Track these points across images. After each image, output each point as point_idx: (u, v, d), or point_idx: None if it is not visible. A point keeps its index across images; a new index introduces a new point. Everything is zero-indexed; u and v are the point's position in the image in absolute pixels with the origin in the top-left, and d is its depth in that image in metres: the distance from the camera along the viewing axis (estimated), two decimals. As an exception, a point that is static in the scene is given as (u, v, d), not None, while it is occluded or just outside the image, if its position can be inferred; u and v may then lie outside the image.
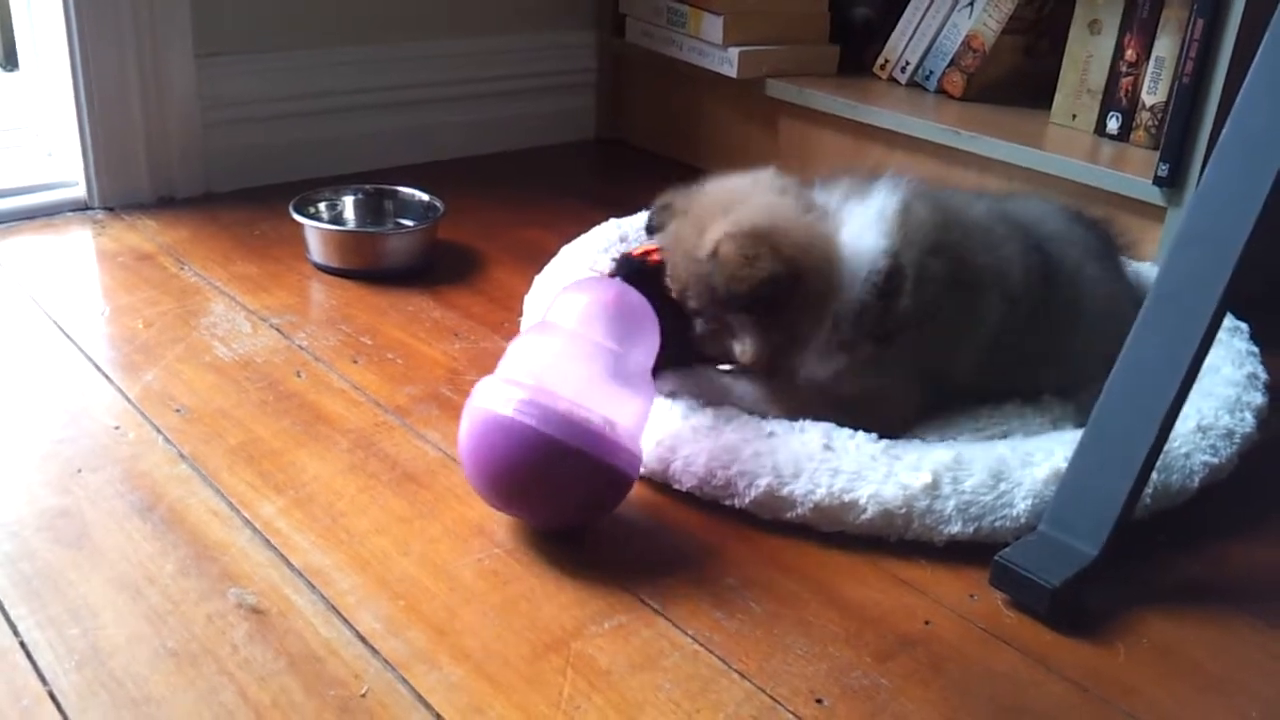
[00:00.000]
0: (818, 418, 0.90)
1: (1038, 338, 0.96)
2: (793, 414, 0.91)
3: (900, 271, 0.89)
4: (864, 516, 0.83)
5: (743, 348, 0.92)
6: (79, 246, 1.31)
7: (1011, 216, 1.00)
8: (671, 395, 0.93)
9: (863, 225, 0.91)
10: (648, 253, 0.94)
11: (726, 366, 0.97)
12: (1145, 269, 1.17)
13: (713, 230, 0.90)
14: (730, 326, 0.92)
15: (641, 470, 0.89)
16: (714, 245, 0.89)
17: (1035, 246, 0.97)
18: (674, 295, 0.93)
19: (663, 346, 0.86)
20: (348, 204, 1.37)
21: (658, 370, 0.88)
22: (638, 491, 0.88)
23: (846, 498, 0.84)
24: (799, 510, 0.84)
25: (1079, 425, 0.88)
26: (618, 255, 0.94)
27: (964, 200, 1.01)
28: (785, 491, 0.84)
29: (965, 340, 0.94)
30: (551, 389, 0.78)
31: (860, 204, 0.93)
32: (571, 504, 0.81)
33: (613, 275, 0.92)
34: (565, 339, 0.82)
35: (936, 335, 0.92)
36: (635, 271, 0.92)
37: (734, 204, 0.93)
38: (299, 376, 1.04)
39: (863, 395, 0.91)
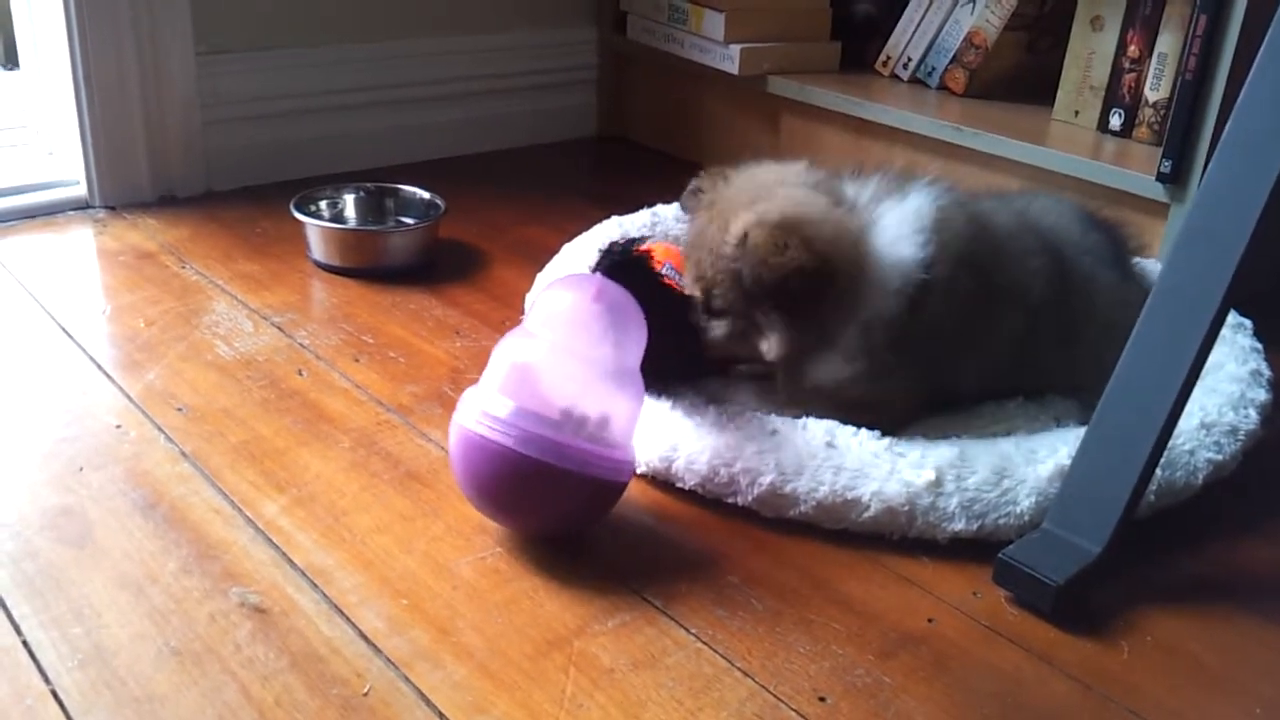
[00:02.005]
0: (819, 416, 0.90)
1: (1050, 345, 0.95)
2: (793, 414, 0.91)
3: (933, 287, 0.88)
4: (867, 514, 0.83)
5: (768, 345, 0.90)
6: (80, 245, 1.31)
7: (1032, 223, 0.98)
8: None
9: (898, 232, 0.89)
10: (633, 243, 0.90)
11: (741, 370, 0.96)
12: (1149, 265, 1.17)
13: (740, 219, 0.88)
14: (757, 324, 0.90)
15: (644, 469, 0.89)
16: (742, 233, 0.87)
17: (1055, 256, 0.96)
18: (698, 294, 0.91)
19: (656, 346, 0.83)
20: (349, 202, 1.37)
21: (660, 378, 0.87)
22: (640, 490, 0.88)
23: (849, 495, 0.83)
24: (802, 508, 0.84)
25: (1082, 422, 0.87)
26: (603, 246, 0.89)
27: (991, 207, 0.99)
28: (788, 489, 0.84)
29: (981, 351, 0.93)
30: (533, 398, 0.77)
31: (895, 207, 0.91)
32: (554, 516, 0.80)
33: (596, 267, 0.86)
34: (547, 343, 0.80)
35: (953, 347, 0.91)
36: (619, 264, 0.87)
37: (761, 195, 0.91)
38: (301, 375, 1.04)
39: (866, 399, 0.90)
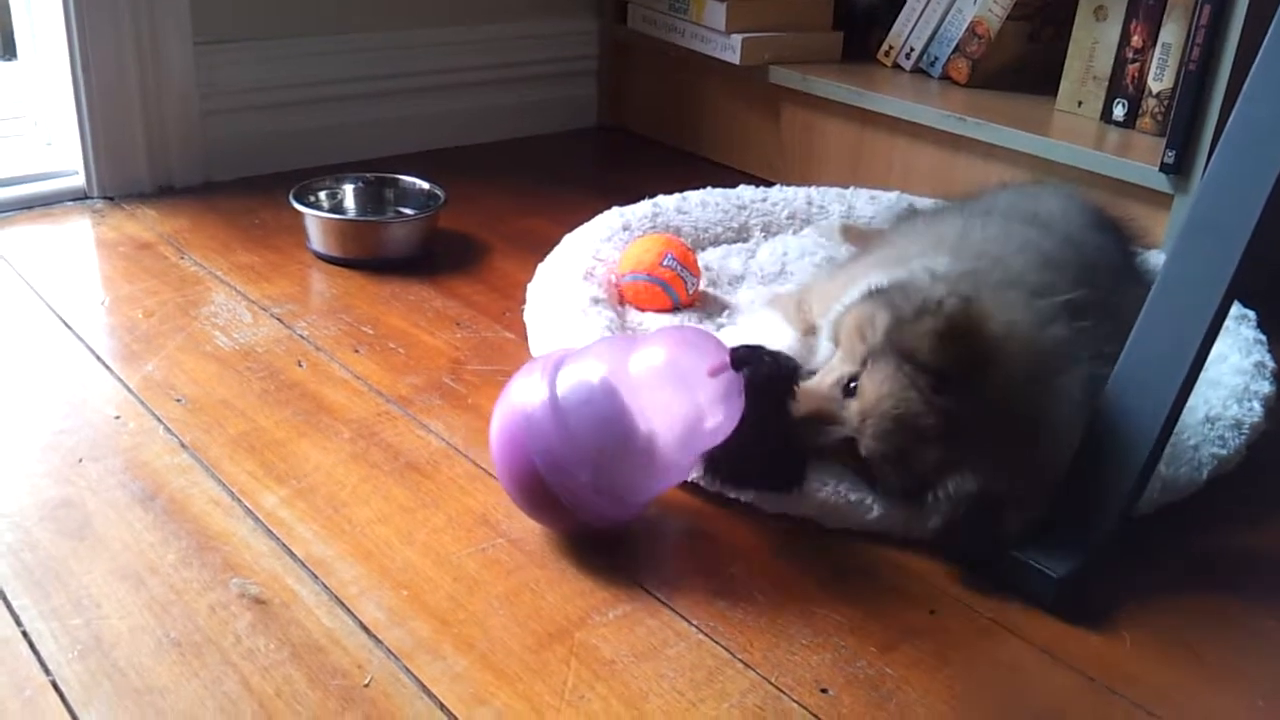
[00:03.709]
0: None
1: None
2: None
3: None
4: (870, 516, 0.83)
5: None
6: (78, 236, 1.31)
7: (1045, 224, 0.97)
8: None
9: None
10: (778, 360, 0.81)
11: None
12: (1152, 257, 1.16)
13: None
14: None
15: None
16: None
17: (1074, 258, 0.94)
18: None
19: (766, 460, 0.80)
20: (348, 193, 1.37)
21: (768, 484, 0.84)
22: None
23: (853, 497, 0.83)
24: (805, 507, 0.84)
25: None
26: (749, 349, 0.80)
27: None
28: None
29: None
30: (589, 401, 0.75)
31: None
32: (540, 515, 0.81)
33: (739, 364, 0.78)
34: (648, 380, 0.76)
35: None
36: (768, 375, 0.79)
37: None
38: (300, 366, 1.04)
39: None
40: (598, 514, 0.78)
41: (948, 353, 0.76)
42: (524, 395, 0.77)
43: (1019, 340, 0.79)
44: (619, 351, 0.78)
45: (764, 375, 0.79)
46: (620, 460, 0.76)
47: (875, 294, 0.84)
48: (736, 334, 0.88)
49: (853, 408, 0.80)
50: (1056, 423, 0.80)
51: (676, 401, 0.76)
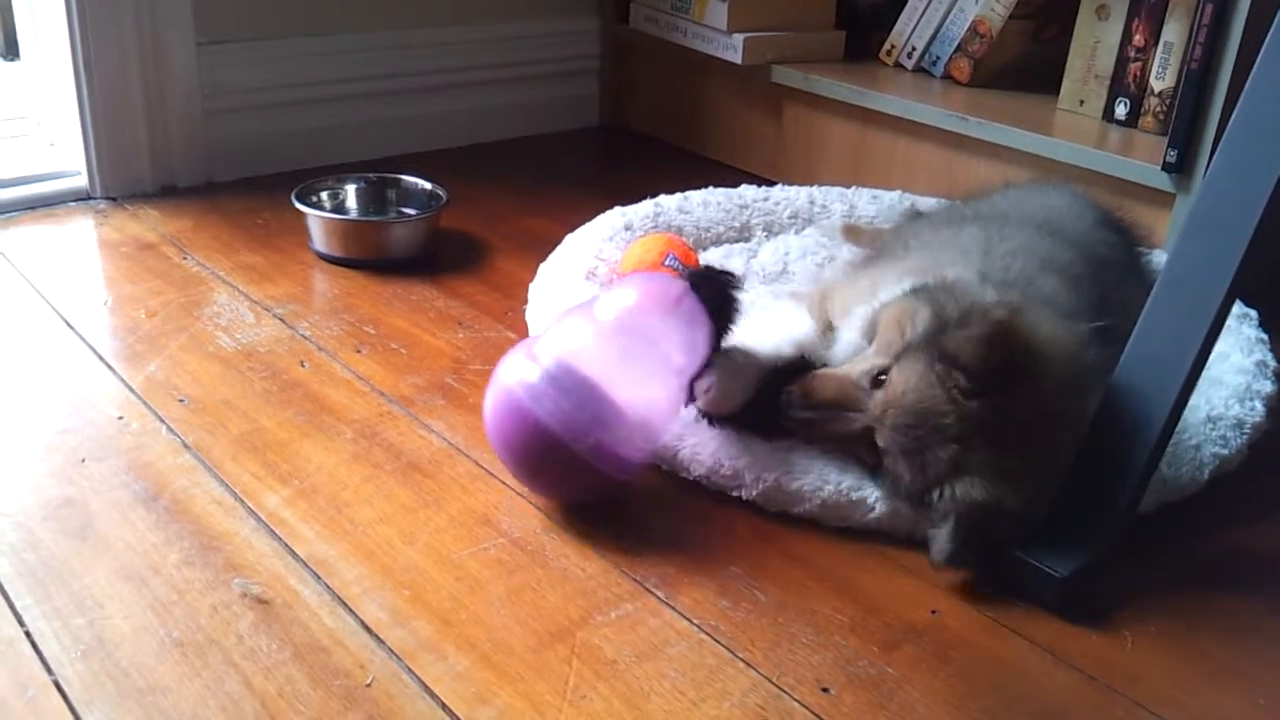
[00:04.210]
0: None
1: None
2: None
3: None
4: (871, 515, 0.83)
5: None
6: (81, 236, 1.31)
7: (1053, 227, 0.97)
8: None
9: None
10: (728, 276, 0.86)
11: None
12: (1155, 256, 1.16)
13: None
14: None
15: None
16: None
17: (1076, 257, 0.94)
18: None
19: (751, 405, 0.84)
20: (350, 193, 1.37)
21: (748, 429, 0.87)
22: (644, 480, 0.88)
23: (855, 495, 0.83)
24: (806, 506, 0.84)
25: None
26: (701, 268, 0.87)
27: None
28: (793, 486, 0.84)
29: None
30: (573, 372, 0.79)
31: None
32: (551, 484, 0.84)
33: (689, 279, 0.84)
34: (614, 331, 0.81)
35: None
36: (719, 291, 0.84)
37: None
38: (303, 366, 1.04)
39: None
40: (619, 463, 0.80)
41: (989, 359, 0.76)
42: (517, 373, 0.80)
43: (1060, 358, 0.80)
44: (587, 311, 0.83)
45: (716, 291, 0.84)
46: (623, 405, 0.80)
47: (919, 290, 0.85)
48: (752, 322, 0.91)
49: (878, 398, 0.81)
50: (1076, 442, 0.80)
51: (655, 335, 0.81)
